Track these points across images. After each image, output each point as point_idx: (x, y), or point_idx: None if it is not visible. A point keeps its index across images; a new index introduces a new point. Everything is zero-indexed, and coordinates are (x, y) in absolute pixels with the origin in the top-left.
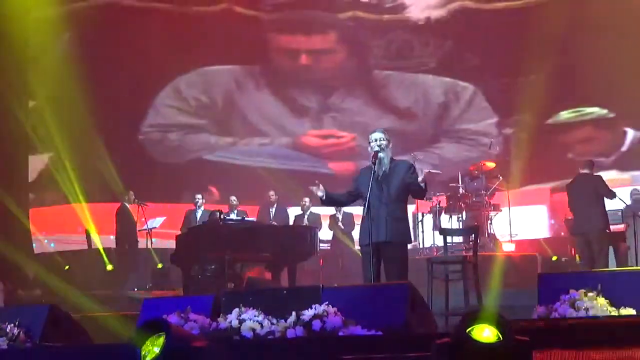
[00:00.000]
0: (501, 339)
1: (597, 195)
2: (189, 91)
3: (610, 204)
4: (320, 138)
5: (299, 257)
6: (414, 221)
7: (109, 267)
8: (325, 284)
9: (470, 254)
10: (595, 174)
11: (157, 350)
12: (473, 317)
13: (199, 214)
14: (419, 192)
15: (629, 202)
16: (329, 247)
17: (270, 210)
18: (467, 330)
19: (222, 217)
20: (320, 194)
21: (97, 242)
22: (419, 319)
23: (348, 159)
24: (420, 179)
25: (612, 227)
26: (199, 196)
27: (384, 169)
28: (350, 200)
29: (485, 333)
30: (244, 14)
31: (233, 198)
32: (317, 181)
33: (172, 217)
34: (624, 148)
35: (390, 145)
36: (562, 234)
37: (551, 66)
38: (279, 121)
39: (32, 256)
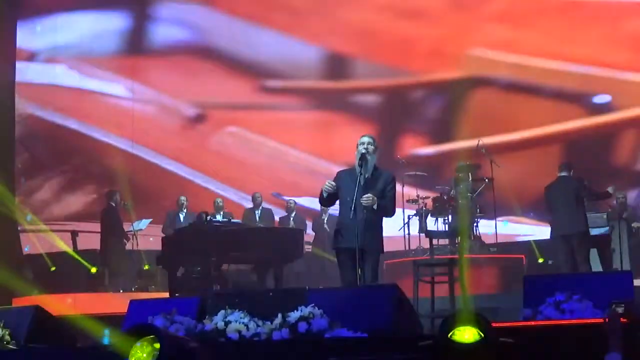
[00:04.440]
0: (482, 337)
1: (577, 198)
2: None
3: (591, 207)
4: None
5: (285, 259)
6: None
7: (93, 269)
8: (311, 285)
9: (456, 256)
10: (576, 176)
11: (146, 356)
12: (453, 320)
13: (182, 215)
14: (387, 210)
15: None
16: (313, 249)
17: (256, 212)
18: (449, 335)
19: (208, 218)
20: (331, 190)
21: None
22: (404, 321)
23: None
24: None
25: (597, 231)
26: (183, 198)
27: (367, 175)
28: (332, 202)
29: (466, 335)
30: None
31: (219, 200)
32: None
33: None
34: None
35: (377, 153)
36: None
37: None
38: None
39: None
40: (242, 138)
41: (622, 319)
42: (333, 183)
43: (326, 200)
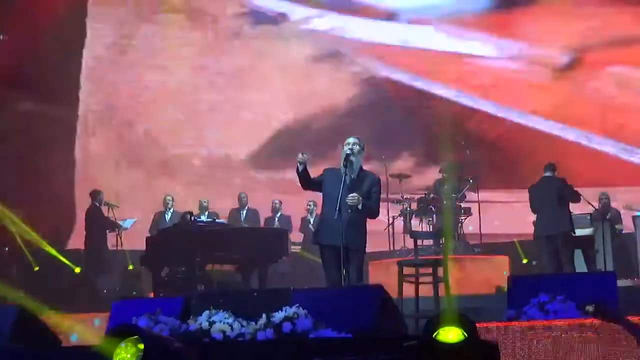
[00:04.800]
0: (466, 337)
1: (561, 198)
2: None
3: (576, 208)
4: None
5: (269, 259)
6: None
7: (77, 269)
8: (296, 286)
9: (441, 256)
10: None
11: (130, 356)
12: (437, 321)
13: (168, 215)
14: (371, 211)
15: (597, 206)
16: (300, 250)
17: (241, 212)
18: (434, 335)
19: (192, 218)
20: (303, 158)
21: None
22: (389, 322)
23: None
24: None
25: (580, 231)
26: (169, 198)
27: (353, 176)
28: (311, 186)
29: (450, 335)
30: None
31: (204, 200)
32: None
33: None
34: None
35: (363, 154)
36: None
37: None
38: None
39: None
40: (625, 79)
41: (594, 320)
42: (305, 155)
43: (302, 178)
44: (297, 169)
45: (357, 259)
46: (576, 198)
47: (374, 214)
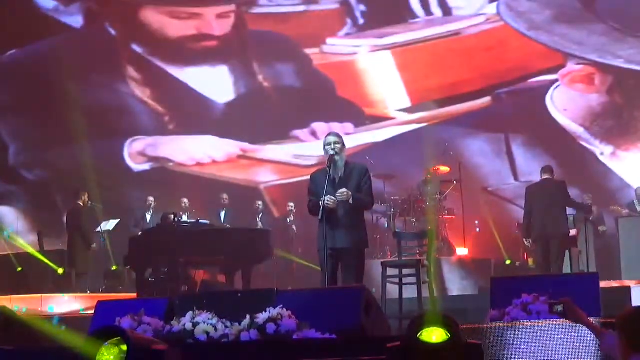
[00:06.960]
0: (450, 337)
1: (559, 200)
2: None
3: None
4: None
5: (253, 260)
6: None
7: (60, 270)
8: (280, 287)
9: (424, 257)
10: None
11: (113, 358)
12: (421, 321)
13: (149, 216)
14: (363, 203)
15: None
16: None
17: (220, 213)
18: (417, 335)
19: (176, 219)
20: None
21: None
22: (373, 323)
23: None
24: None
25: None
26: (151, 198)
27: (340, 174)
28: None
29: (434, 335)
30: None
31: (185, 200)
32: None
33: None
34: None
35: (345, 149)
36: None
37: None
38: None
39: None
40: None
41: (563, 320)
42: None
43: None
44: (319, 205)
45: (351, 259)
46: (573, 204)
47: (368, 205)
